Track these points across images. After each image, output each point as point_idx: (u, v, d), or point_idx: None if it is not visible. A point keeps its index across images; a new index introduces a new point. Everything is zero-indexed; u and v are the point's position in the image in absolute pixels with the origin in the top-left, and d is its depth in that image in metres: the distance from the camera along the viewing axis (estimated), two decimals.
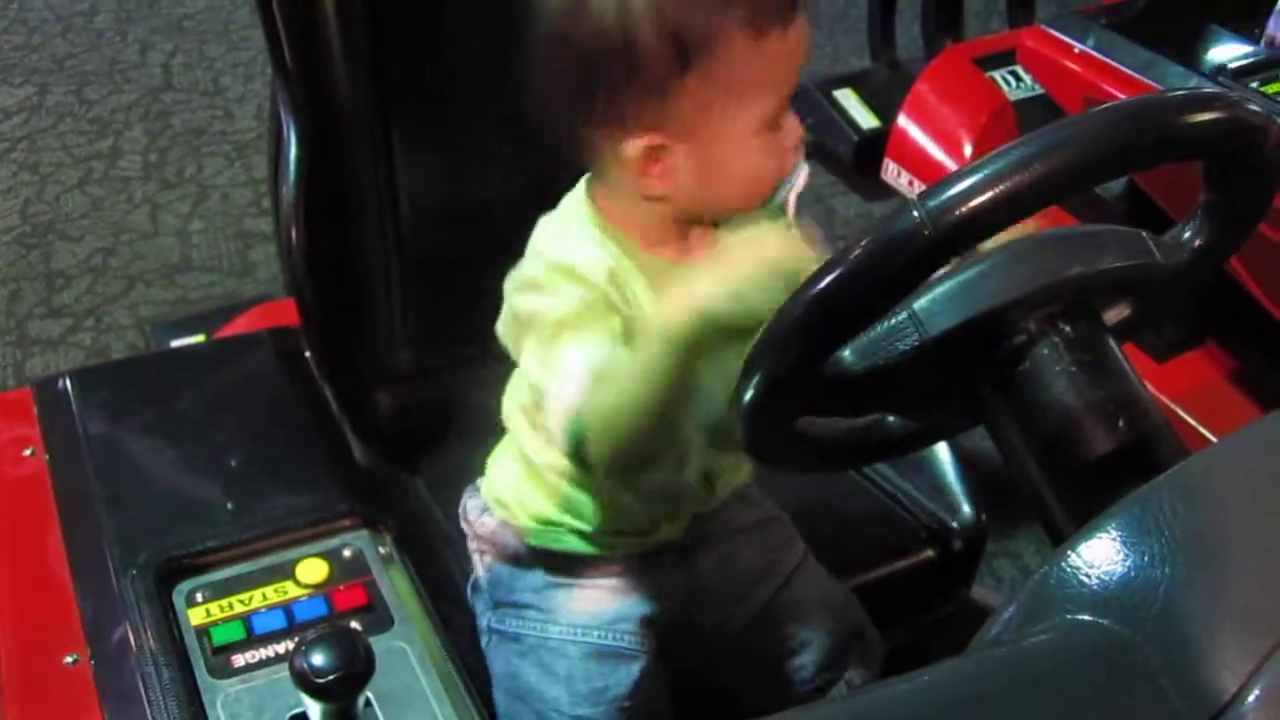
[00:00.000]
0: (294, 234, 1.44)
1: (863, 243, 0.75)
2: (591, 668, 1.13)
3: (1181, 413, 2.04)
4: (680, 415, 0.95)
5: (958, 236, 0.72)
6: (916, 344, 0.80)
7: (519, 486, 1.14)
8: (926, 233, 0.71)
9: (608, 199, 1.03)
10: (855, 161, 2.68)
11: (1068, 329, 0.80)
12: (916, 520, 1.41)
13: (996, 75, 2.41)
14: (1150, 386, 2.09)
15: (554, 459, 1.09)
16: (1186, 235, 0.89)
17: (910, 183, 2.29)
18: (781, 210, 1.05)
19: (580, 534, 1.13)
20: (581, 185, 1.05)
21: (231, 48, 3.43)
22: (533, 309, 0.98)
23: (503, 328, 1.06)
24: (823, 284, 0.76)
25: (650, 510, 1.13)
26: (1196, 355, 2.14)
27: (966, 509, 1.41)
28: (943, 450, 1.43)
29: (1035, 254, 0.80)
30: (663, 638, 1.17)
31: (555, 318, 0.96)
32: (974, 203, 0.71)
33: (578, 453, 0.95)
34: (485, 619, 1.19)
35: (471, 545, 1.20)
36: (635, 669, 1.14)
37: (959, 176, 0.72)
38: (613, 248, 1.01)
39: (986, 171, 0.71)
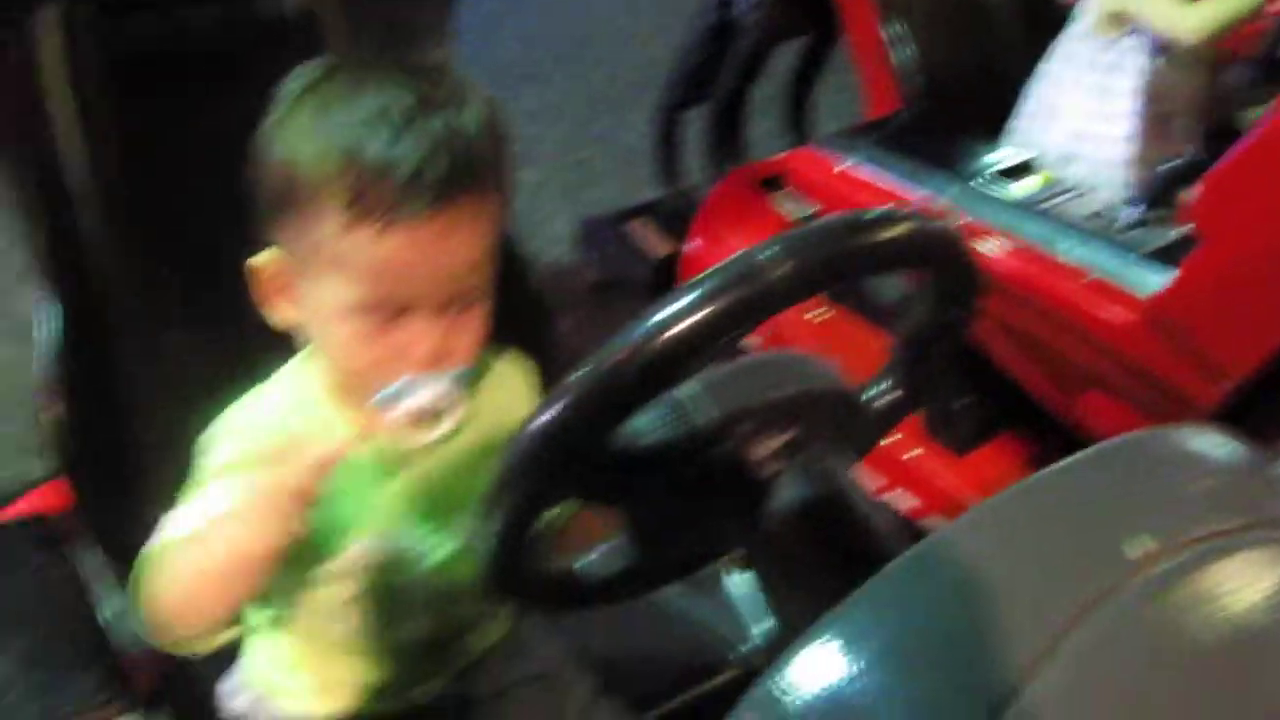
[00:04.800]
0: (59, 410, 1.39)
1: (578, 374, 0.75)
2: None
3: None
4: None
5: (662, 364, 0.73)
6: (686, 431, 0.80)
7: (275, 660, 1.10)
8: (635, 363, 0.73)
9: None
10: (652, 289, 2.74)
11: (793, 449, 0.82)
12: (716, 640, 1.40)
13: (779, 195, 2.50)
14: (953, 480, 2.16)
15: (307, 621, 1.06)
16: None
17: None
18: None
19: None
20: None
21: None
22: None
23: None
24: (550, 414, 0.76)
25: (396, 669, 1.09)
26: (993, 447, 2.21)
27: (763, 623, 1.40)
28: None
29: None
30: None
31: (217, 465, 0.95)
32: (668, 335, 0.72)
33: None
34: None
35: None
36: None
37: (661, 306, 0.74)
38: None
39: (683, 302, 0.73)
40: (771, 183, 2.49)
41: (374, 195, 0.86)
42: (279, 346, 1.48)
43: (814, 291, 0.77)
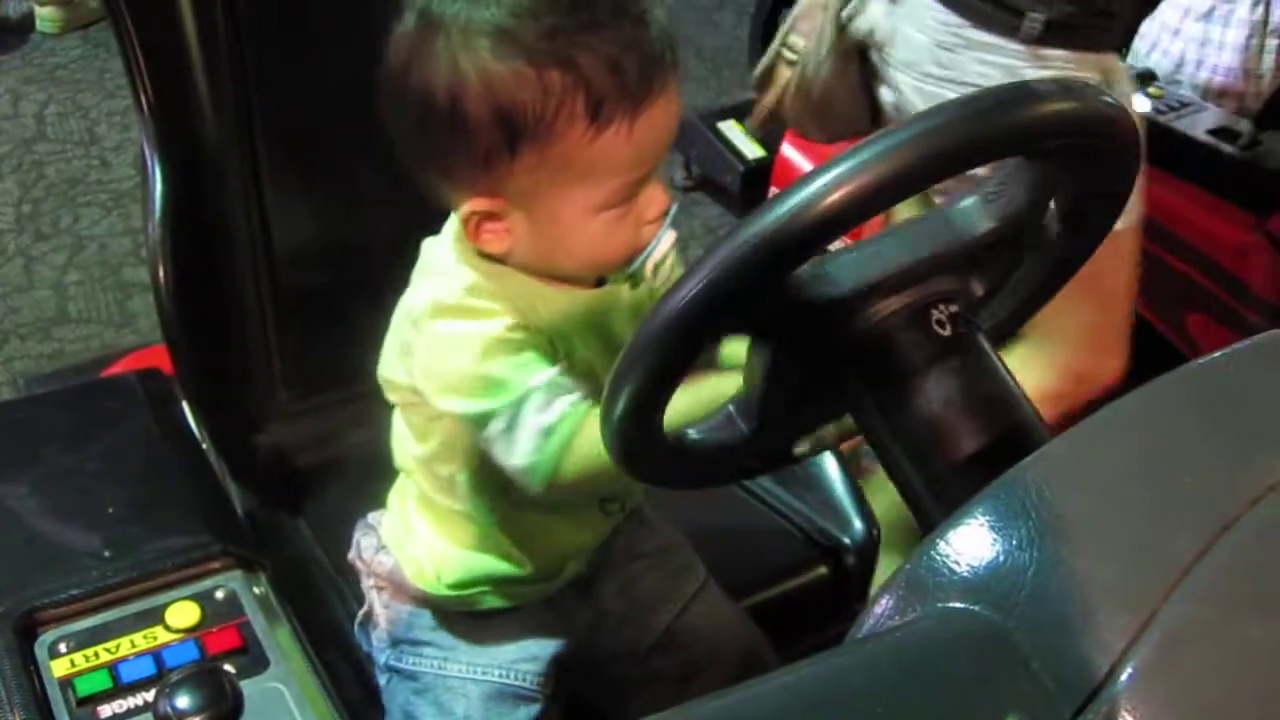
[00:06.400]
0: (162, 274, 1.40)
1: (719, 250, 0.73)
2: (490, 709, 1.10)
3: None
4: None
5: (814, 234, 0.71)
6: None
7: (430, 544, 1.10)
8: (786, 231, 0.70)
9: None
10: (742, 191, 2.70)
11: (940, 323, 0.79)
12: (808, 538, 1.40)
13: None
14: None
15: (466, 505, 1.06)
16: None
17: None
18: (638, 277, 1.01)
19: (494, 588, 1.10)
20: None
21: (107, 96, 3.34)
22: (453, 332, 0.94)
23: (393, 365, 1.03)
24: (683, 292, 0.74)
25: (565, 539, 1.10)
26: None
27: (858, 524, 1.40)
28: (832, 467, 1.43)
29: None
30: (562, 673, 1.14)
31: (489, 336, 0.92)
32: (829, 200, 0.70)
33: (538, 478, 0.93)
34: (384, 656, 1.15)
35: (367, 582, 1.16)
36: (533, 711, 1.11)
37: (814, 175, 0.71)
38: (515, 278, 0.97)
39: (841, 169, 0.70)
40: None
41: (613, 96, 0.86)
42: (386, 217, 1.49)
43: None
